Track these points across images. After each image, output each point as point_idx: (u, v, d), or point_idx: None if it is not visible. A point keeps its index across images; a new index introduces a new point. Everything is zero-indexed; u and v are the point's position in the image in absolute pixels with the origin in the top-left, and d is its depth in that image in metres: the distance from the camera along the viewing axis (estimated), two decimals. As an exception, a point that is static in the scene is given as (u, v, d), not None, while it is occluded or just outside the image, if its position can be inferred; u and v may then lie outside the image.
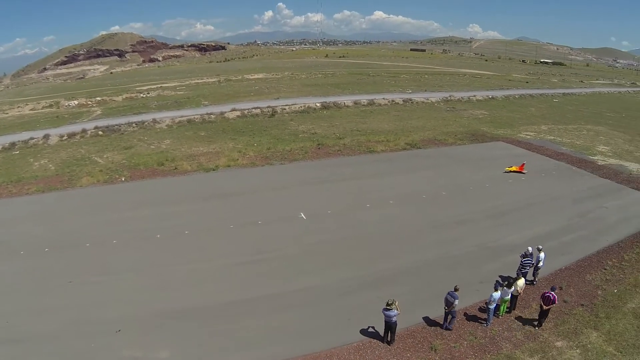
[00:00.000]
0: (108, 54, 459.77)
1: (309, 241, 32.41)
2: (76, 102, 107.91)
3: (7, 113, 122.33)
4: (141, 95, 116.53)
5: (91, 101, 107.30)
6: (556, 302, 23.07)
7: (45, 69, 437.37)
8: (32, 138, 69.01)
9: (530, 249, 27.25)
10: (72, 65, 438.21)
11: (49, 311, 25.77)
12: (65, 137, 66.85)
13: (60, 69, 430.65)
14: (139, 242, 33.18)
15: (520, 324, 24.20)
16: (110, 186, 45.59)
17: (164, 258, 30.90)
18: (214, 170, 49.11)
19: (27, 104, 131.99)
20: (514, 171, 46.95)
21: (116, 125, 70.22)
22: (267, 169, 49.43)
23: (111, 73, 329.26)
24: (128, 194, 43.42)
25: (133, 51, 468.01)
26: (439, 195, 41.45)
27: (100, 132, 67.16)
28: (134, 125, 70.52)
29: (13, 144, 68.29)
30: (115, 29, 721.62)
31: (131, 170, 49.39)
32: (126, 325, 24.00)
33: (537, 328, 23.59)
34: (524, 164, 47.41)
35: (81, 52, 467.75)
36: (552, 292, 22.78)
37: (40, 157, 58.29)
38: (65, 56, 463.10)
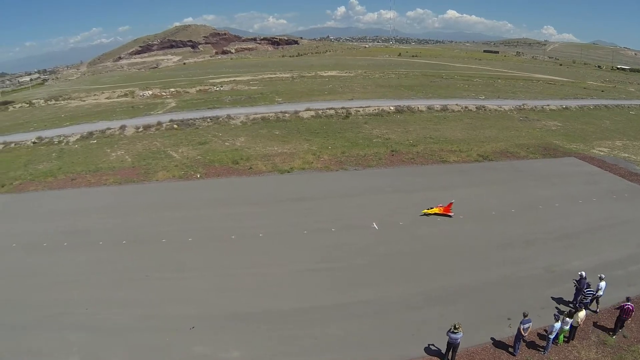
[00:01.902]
0: (181, 45, 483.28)
1: (379, 252, 33.46)
2: (150, 92, 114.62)
3: (84, 101, 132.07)
4: (214, 88, 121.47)
5: (165, 92, 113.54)
6: (633, 312, 24.27)
7: (120, 57, 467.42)
8: (108, 128, 74.30)
9: (583, 273, 26.72)
10: (146, 55, 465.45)
11: (125, 303, 28.17)
12: (140, 129, 71.50)
13: (134, 58, 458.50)
14: (215, 242, 35.05)
15: (577, 354, 23.86)
16: (186, 182, 48.33)
17: (238, 260, 32.54)
18: (288, 172, 50.57)
19: (103, 92, 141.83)
20: (437, 214, 39.43)
21: (191, 119, 73.93)
22: (341, 174, 50.28)
23: (184, 64, 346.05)
24: (204, 191, 45.77)
25: (206, 43, 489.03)
26: (508, 212, 40.86)
27: (175, 126, 71.18)
28: (208, 120, 73.90)
29: (91, 133, 73.89)
30: (189, 20, 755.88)
31: (206, 167, 51.94)
32: (199, 323, 25.72)
33: (612, 336, 24.81)
34: (451, 203, 39.89)
35: (155, 42, 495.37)
36: (629, 303, 24.05)
37: (117, 148, 62.80)
38: (140, 46, 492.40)
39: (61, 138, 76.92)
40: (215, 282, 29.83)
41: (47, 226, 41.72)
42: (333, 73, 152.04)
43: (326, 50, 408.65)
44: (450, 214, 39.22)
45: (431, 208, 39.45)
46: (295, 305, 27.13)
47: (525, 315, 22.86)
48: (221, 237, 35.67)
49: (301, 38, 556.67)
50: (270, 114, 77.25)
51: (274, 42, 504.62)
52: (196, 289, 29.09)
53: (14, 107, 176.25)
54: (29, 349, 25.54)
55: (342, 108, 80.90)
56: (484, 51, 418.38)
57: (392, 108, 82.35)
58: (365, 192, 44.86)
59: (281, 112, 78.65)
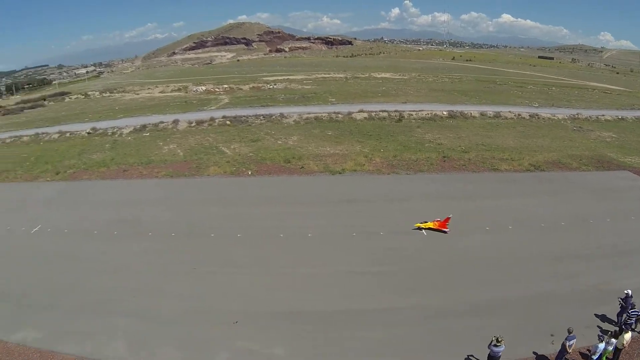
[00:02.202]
0: (235, 42, 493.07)
1: (427, 258, 33.25)
2: (204, 87, 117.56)
3: (138, 94, 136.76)
4: (268, 86, 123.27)
5: (219, 88, 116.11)
6: None
7: (174, 53, 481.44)
8: (162, 122, 76.64)
9: (629, 292, 25.49)
10: (200, 51, 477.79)
11: (172, 294, 29.26)
12: (193, 124, 73.42)
13: (188, 53, 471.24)
14: (263, 239, 35.52)
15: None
16: (237, 178, 49.24)
17: (285, 258, 32.96)
18: (340, 173, 50.69)
19: (156, 86, 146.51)
20: (431, 229, 37.44)
21: (244, 116, 75.24)
22: (393, 177, 50.05)
23: (238, 60, 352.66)
24: (255, 188, 46.44)
25: (260, 41, 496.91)
26: (558, 225, 39.44)
27: (227, 122, 72.59)
28: (261, 117, 75.00)
29: (144, 126, 76.34)
30: (243, 18, 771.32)
31: (258, 164, 52.71)
32: (243, 318, 26.33)
33: None
34: (448, 218, 37.88)
35: (209, 39, 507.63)
36: None
37: (170, 142, 64.71)
38: (194, 42, 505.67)
39: (115, 130, 79.81)
40: (261, 279, 30.36)
41: (99, 214, 43.60)
42: (387, 75, 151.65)
43: (380, 52, 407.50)
44: (446, 229, 37.16)
45: (425, 222, 37.73)
46: (341, 307, 27.30)
47: (570, 332, 22.26)
48: (270, 235, 36.10)
49: (355, 39, 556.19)
50: (324, 114, 77.69)
51: (328, 42, 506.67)
52: (242, 285, 29.73)
53: (70, 98, 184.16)
54: (77, 330, 27.13)
55: (395, 111, 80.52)
56: (539, 57, 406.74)
57: (444, 113, 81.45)
58: (416, 197, 44.55)
59: (334, 112, 78.95)
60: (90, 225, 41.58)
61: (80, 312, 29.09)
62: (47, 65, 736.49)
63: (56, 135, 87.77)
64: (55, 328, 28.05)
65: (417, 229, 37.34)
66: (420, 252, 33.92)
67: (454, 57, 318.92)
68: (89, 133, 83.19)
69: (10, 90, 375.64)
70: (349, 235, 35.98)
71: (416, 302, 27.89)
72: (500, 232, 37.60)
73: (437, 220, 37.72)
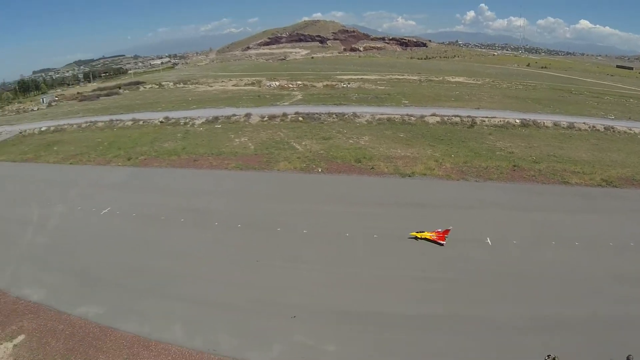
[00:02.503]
0: (310, 39, 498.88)
1: (491, 269, 32.56)
2: (277, 83, 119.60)
3: (211, 86, 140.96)
4: (342, 85, 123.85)
5: (292, 84, 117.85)
6: None
7: (248, 47, 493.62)
8: (234, 115, 78.71)
9: None
10: (274, 46, 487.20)
11: (232, 283, 30.70)
12: (266, 118, 74.99)
13: (263, 49, 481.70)
14: (329, 237, 35.97)
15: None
16: (307, 175, 49.86)
17: (350, 258, 33.26)
18: (409, 176, 50.26)
19: (230, 80, 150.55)
20: (427, 239, 36.32)
21: (316, 113, 75.90)
22: (461, 184, 49.18)
23: (312, 58, 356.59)
24: (324, 186, 46.86)
25: (334, 39, 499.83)
26: (627, 245, 37.08)
27: (300, 119, 73.58)
28: (334, 116, 75.39)
29: (216, 118, 78.63)
30: (317, 16, 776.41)
31: (328, 162, 53.05)
32: (302, 313, 27.06)
33: None
34: (447, 230, 36.74)
35: (284, 35, 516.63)
36: None
37: (241, 135, 66.42)
38: (269, 37, 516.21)
39: (187, 120, 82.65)
40: (323, 277, 30.95)
41: (167, 201, 45.74)
42: (460, 79, 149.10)
43: (454, 55, 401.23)
44: (442, 242, 35.94)
45: (422, 232, 36.66)
46: (399, 310, 27.38)
47: (628, 359, 21.47)
48: (336, 233, 36.47)
49: (430, 41, 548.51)
50: (396, 116, 77.23)
51: (403, 43, 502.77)
52: (303, 280, 30.53)
53: (144, 88, 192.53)
54: (137, 310, 29.09)
55: (468, 116, 78.95)
56: (617, 66, 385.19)
57: (517, 121, 79.09)
58: (484, 206, 43.58)
59: (407, 114, 78.32)
60: (158, 211, 43.65)
61: (141, 293, 31.01)
62: (124, 55, 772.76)
63: (130, 123, 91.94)
64: (116, 306, 30.12)
65: (413, 237, 36.49)
66: (485, 262, 33.33)
67: (529, 64, 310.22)
68: (161, 122, 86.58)
69: (87, 77, 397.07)
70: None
71: (477, 312, 27.57)
72: (566, 248, 36.23)
73: (437, 231, 36.75)
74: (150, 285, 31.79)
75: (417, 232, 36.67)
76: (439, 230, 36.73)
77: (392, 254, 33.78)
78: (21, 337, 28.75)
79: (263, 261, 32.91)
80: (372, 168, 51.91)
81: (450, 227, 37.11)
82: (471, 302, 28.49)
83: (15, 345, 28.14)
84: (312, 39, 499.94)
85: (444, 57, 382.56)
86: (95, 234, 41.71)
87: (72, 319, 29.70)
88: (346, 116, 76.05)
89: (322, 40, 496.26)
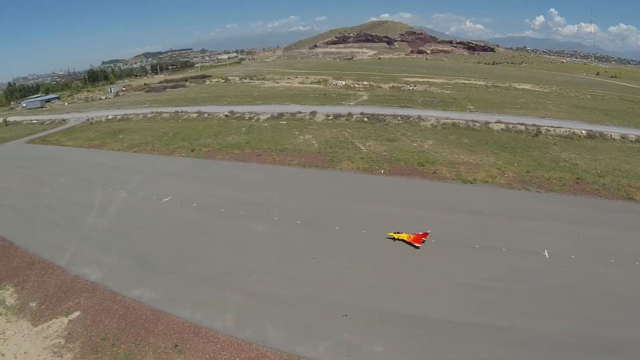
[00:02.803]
0: (377, 40, 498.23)
1: (546, 282, 31.35)
2: (343, 82, 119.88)
3: (277, 83, 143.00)
4: (408, 87, 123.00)
5: (358, 84, 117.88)
6: None
7: (315, 45, 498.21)
8: (299, 112, 79.56)
9: None
10: (341, 45, 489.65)
11: (287, 278, 31.32)
12: (331, 117, 75.44)
13: (330, 47, 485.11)
14: (388, 240, 35.80)
15: None
16: (369, 176, 49.73)
17: (405, 262, 33.06)
18: (471, 183, 49.37)
19: (296, 77, 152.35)
20: (403, 240, 36.06)
21: (381, 115, 75.65)
22: (522, 194, 47.79)
23: (379, 58, 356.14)
24: (385, 188, 46.62)
25: (402, 40, 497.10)
26: None
27: (365, 119, 73.53)
28: (399, 118, 74.93)
29: (281, 114, 79.69)
30: (385, 16, 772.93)
31: (391, 164, 52.80)
32: (353, 312, 27.24)
33: None
34: (426, 233, 36.54)
35: (351, 34, 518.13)
36: None
37: (306, 132, 67.19)
38: (336, 36, 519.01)
39: (252, 115, 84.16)
40: (377, 278, 30.96)
41: (228, 193, 47.10)
42: (527, 86, 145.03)
43: (522, 62, 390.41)
44: (418, 244, 35.68)
45: (399, 232, 36.77)
46: (449, 316, 27.13)
47: None
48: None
49: (497, 46, 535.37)
50: (461, 121, 75.98)
51: (470, 47, 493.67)
52: (357, 280, 30.61)
53: (210, 81, 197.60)
54: (191, 297, 30.31)
55: (533, 125, 76.61)
56: None
57: (583, 132, 75.99)
58: (543, 217, 42.15)
59: (472, 120, 76.88)
60: (218, 202, 44.97)
61: (196, 281, 32.19)
62: (191, 49, 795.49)
63: (195, 115, 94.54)
64: (170, 291, 31.42)
65: (390, 238, 36.67)
66: (540, 274, 32.29)
67: (598, 72, 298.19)
68: (226, 115, 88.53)
69: (155, 69, 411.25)
70: (472, 247, 35.19)
71: (526, 325, 26.83)
72: (626, 267, 34.51)
73: (417, 233, 36.62)
74: (205, 274, 32.91)
75: (395, 233, 36.89)
76: (419, 232, 36.76)
77: (447, 259, 33.46)
78: (76, 314, 30.62)
79: (319, 258, 33.34)
80: (435, 173, 51.32)
81: (429, 231, 37.22)
82: (521, 314, 27.78)
83: (70, 321, 29.97)
84: (380, 39, 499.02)
85: (511, 63, 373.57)
86: (154, 220, 43.58)
87: (126, 300, 31.25)
88: (411, 119, 75.43)
89: (390, 42, 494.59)
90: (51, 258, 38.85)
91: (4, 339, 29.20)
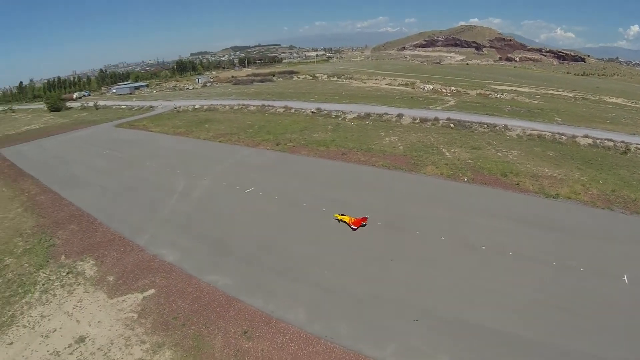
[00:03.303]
0: (465, 45, 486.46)
1: (623, 308, 29.52)
2: (431, 86, 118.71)
3: (365, 83, 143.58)
4: (495, 95, 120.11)
5: (446, 89, 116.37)
6: None
7: (404, 47, 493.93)
8: (386, 113, 79.87)
9: None
10: (429, 49, 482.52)
11: (362, 278, 31.77)
12: (417, 121, 75.31)
13: (418, 50, 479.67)
14: (465, 247, 35.62)
15: None
16: (452, 182, 49.37)
17: (480, 271, 32.60)
18: (554, 197, 47.72)
19: (384, 78, 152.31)
20: (344, 222, 40.55)
21: (468, 121, 74.58)
22: (606, 213, 45.34)
23: (467, 64, 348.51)
24: (467, 196, 46.11)
25: (490, 47, 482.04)
26: None
27: (451, 125, 72.79)
28: (485, 126, 73.60)
29: (368, 115, 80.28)
30: (475, 21, 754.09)
31: (475, 172, 52.13)
32: (423, 318, 27.35)
33: None
34: (365, 218, 40.73)
35: (439, 38, 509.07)
36: None
37: (391, 134, 67.52)
38: (425, 40, 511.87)
39: (339, 113, 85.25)
40: (453, 286, 30.73)
41: (310, 189, 48.53)
42: (618, 100, 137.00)
43: (613, 74, 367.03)
44: (355, 227, 39.54)
45: (343, 215, 41.24)
46: (518, 332, 26.55)
47: None
48: (472, 244, 35.99)
49: (588, 56, 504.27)
50: (547, 133, 73.47)
51: (560, 56, 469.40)
52: (432, 286, 30.62)
53: (298, 78, 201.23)
54: (266, 287, 31.63)
55: (622, 142, 72.59)
56: None
57: None
58: (626, 241, 39.86)
59: (558, 133, 74.12)
60: (300, 197, 46.40)
61: (272, 272, 33.43)
62: (279, 45, 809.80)
63: (281, 110, 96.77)
64: (245, 280, 32.82)
65: (335, 219, 41.03)
66: (616, 300, 30.45)
67: None
68: (313, 112, 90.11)
69: (242, 63, 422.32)
70: (548, 263, 34.08)
71: (594, 350, 25.69)
72: None
73: (358, 218, 40.44)
74: (282, 266, 34.03)
75: (340, 215, 41.35)
76: (363, 217, 40.66)
77: (523, 274, 32.61)
78: (151, 291, 32.63)
79: (397, 261, 33.57)
80: (517, 184, 50.17)
81: (368, 216, 41.00)
82: (591, 338, 26.64)
83: (144, 297, 32.00)
84: (468, 44, 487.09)
85: (602, 75, 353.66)
86: (236, 210, 45.54)
87: (201, 284, 32.92)
88: (497, 127, 73.88)
89: (478, 47, 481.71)
90: (131, 237, 41.79)
91: (80, 307, 31.70)
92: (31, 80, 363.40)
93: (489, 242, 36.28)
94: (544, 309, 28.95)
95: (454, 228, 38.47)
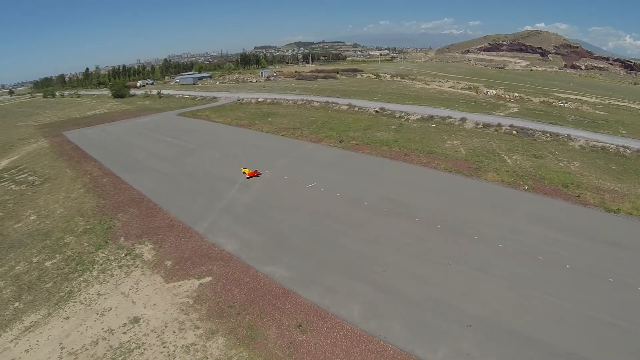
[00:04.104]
0: (530, 50, 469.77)
1: None
2: (494, 92, 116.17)
3: (428, 85, 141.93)
4: (559, 103, 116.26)
5: (509, 95, 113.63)
6: None
7: (468, 51, 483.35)
8: (449, 117, 78.99)
9: None
10: (494, 53, 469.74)
11: (420, 279, 31.50)
12: (480, 126, 74.18)
13: (482, 54, 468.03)
14: (521, 256, 34.86)
15: None
16: (512, 190, 48.44)
17: (536, 281, 31.72)
18: (615, 212, 45.89)
19: (447, 81, 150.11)
20: (245, 174, 55.33)
21: (530, 129, 72.80)
22: None
23: (531, 70, 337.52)
24: (527, 204, 45.12)
25: (556, 53, 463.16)
26: None
27: (514, 132, 71.24)
28: (547, 135, 71.70)
29: (431, 117, 79.71)
30: (540, 26, 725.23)
31: (535, 181, 51.02)
32: (477, 324, 26.94)
33: None
34: (256, 171, 55.41)
35: (504, 42, 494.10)
36: None
37: (454, 138, 66.89)
38: (489, 43, 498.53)
39: (402, 114, 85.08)
40: (507, 295, 30.11)
41: (372, 188, 48.67)
42: None
43: None
44: (248, 175, 54.40)
45: (246, 168, 55.71)
46: (573, 349, 25.65)
47: None
48: (529, 254, 35.18)
49: None
50: (611, 146, 70.65)
51: (628, 65, 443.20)
52: (487, 293, 30.09)
53: (361, 76, 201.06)
54: (322, 282, 31.68)
55: None
56: None
57: None
58: None
59: (623, 146, 71.05)
60: (362, 195, 46.72)
61: (329, 268, 33.58)
62: (343, 42, 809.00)
63: (345, 107, 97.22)
64: (302, 273, 33.12)
65: (243, 173, 54.15)
66: None
67: None
68: (376, 111, 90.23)
69: (306, 58, 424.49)
70: (605, 280, 32.78)
71: None
72: None
73: (252, 171, 55.09)
74: (339, 262, 34.18)
75: (244, 168, 55.77)
76: (255, 171, 55.10)
77: (580, 288, 31.47)
78: (208, 279, 33.20)
79: (454, 265, 33.15)
80: (578, 196, 48.74)
81: (260, 171, 55.14)
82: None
83: (201, 284, 32.58)
84: (533, 50, 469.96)
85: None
86: (296, 204, 46.15)
87: (258, 274, 33.37)
88: (560, 137, 71.77)
89: (543, 53, 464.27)
90: (190, 224, 42.85)
91: (137, 288, 32.81)
92: (97, 67, 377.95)
93: (546, 253, 35.48)
94: (599, 326, 28.09)
95: (513, 236, 37.78)
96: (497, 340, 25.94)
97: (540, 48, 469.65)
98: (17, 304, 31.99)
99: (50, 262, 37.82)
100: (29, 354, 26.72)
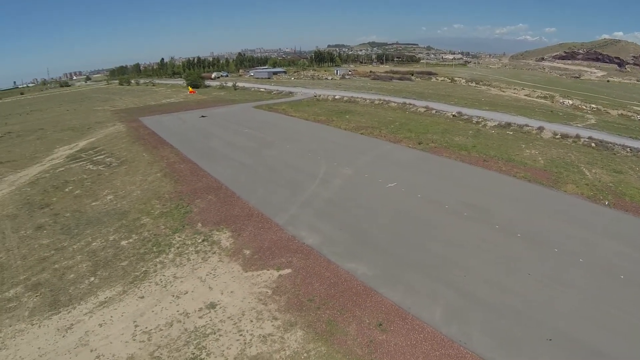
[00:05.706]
0: (607, 60, 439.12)
1: None
2: (571, 102, 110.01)
3: (504, 92, 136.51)
4: (638, 117, 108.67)
5: (586, 106, 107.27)
6: None
7: (542, 58, 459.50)
8: (526, 125, 75.35)
9: None
10: (569, 62, 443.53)
11: (501, 287, 29.64)
12: (558, 136, 70.11)
13: (557, 62, 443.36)
14: (604, 275, 31.99)
15: None
16: (592, 204, 45.29)
17: (620, 302, 28.69)
18: (702, 236, 42.32)
19: (522, 88, 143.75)
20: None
21: (610, 143, 68.15)
22: None
23: (608, 81, 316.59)
24: (609, 220, 41.82)
25: (634, 64, 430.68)
26: None
27: (592, 144, 66.85)
28: (628, 150, 66.80)
29: (508, 124, 76.45)
30: (619, 35, 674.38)
31: (616, 197, 47.54)
32: (558, 339, 24.87)
33: None
34: (193, 91, 69.33)
35: (580, 51, 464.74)
36: None
37: (532, 147, 63.59)
38: (565, 51, 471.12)
39: (480, 119, 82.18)
40: (588, 311, 27.64)
41: (453, 192, 46.90)
42: None
43: None
44: (190, 93, 67.33)
45: (190, 87, 62.51)
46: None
47: None
48: (611, 271, 32.26)
49: None
50: (700, 167, 65.29)
51: None
52: (567, 307, 27.78)
53: (436, 79, 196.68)
54: (404, 282, 30.36)
55: None
56: None
57: None
58: None
59: None
60: (443, 198, 45.03)
61: (411, 268, 32.10)
62: (417, 45, 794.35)
63: (422, 109, 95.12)
64: (384, 272, 31.72)
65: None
66: None
67: None
68: (454, 115, 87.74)
69: (381, 59, 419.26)
70: None
71: None
72: None
73: (192, 90, 70.28)
74: (421, 263, 32.75)
75: (189, 87, 68.96)
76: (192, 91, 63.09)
77: (633, 303, 28.51)
78: (288, 271, 32.15)
79: (534, 275, 31.10)
80: (658, 217, 45.23)
81: (193, 92, 73.83)
82: None
83: (280, 275, 31.56)
84: (610, 60, 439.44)
85: None
86: (378, 202, 44.84)
87: (339, 270, 32.17)
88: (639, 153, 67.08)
89: (620, 64, 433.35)
90: (270, 214, 42.01)
91: (214, 275, 32.16)
92: (172, 58, 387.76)
93: (628, 272, 32.58)
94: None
95: (594, 252, 35.16)
96: (577, 356, 23.95)
97: (617, 58, 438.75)
98: (92, 279, 32.49)
99: (126, 242, 38.28)
100: (102, 328, 26.93)
